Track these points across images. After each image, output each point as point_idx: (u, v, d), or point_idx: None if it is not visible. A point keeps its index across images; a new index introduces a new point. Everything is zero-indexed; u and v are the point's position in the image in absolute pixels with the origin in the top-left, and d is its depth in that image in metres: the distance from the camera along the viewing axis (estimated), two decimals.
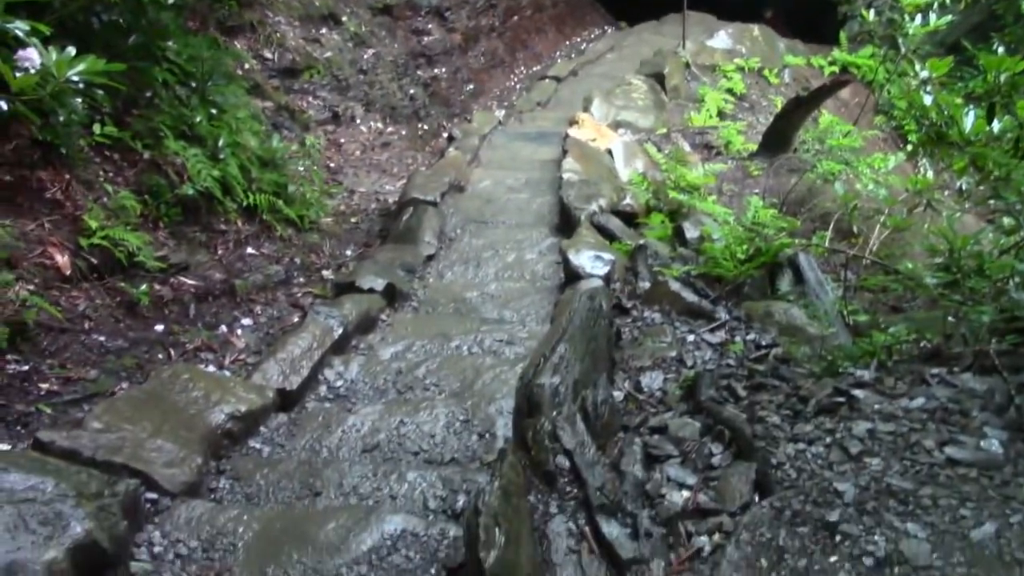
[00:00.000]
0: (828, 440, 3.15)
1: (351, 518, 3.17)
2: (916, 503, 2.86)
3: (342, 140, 9.19)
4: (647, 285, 5.21)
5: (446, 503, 3.37)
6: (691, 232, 6.04)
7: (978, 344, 3.76)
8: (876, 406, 3.33)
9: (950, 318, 4.15)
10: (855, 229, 6.84)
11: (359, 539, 3.08)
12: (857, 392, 3.42)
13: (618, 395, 3.74)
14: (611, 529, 2.77)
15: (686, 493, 2.98)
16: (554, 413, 3.21)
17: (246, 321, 5.34)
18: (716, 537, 2.81)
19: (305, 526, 3.16)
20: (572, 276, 5.34)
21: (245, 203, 6.22)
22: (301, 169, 7.56)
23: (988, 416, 3.22)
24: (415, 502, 3.37)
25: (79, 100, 4.84)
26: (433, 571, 2.98)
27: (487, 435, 3.79)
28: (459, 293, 5.56)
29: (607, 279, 5.23)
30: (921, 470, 3.00)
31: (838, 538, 2.72)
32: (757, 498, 2.94)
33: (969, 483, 2.96)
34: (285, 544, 3.07)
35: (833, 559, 2.66)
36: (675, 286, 4.97)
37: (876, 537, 2.72)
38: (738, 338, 4.35)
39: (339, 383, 4.40)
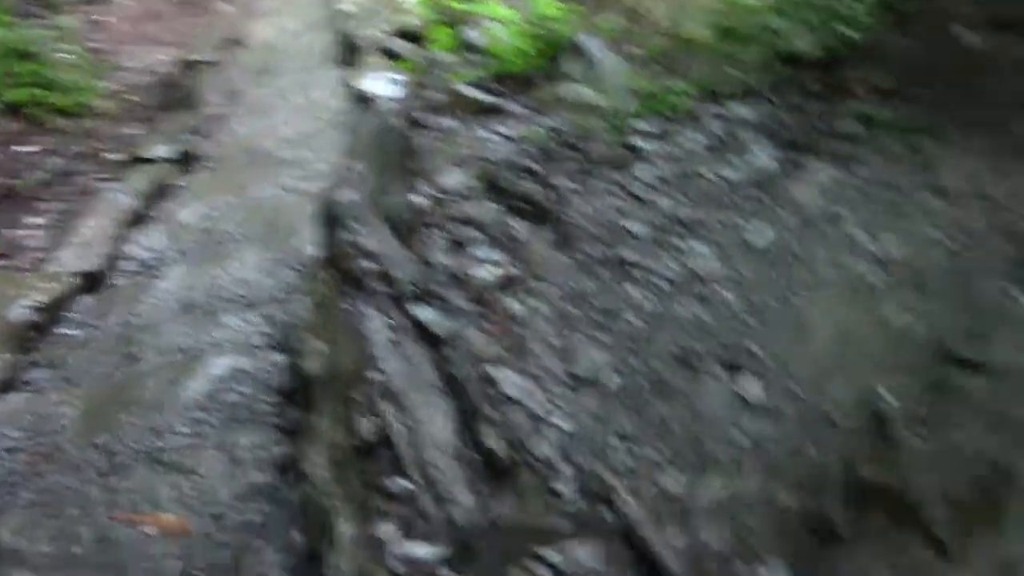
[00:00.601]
0: (618, 191, 3.28)
1: (175, 371, 3.14)
2: (702, 227, 3.04)
3: (105, 18, 8.49)
4: (440, 96, 5.16)
5: (272, 338, 3.36)
6: (477, 38, 5.96)
7: (749, 78, 3.95)
8: (659, 151, 3.47)
9: (726, 67, 4.31)
10: (639, 8, 6.92)
11: (187, 388, 3.06)
12: (641, 143, 3.55)
13: (422, 200, 3.76)
14: (425, 314, 2.84)
15: (494, 268, 3.07)
16: (355, 225, 3.21)
17: (36, 220, 5.01)
18: (528, 301, 2.91)
19: (128, 392, 3.11)
20: (364, 102, 5.23)
21: (5, 100, 5.74)
22: (65, 55, 6.99)
23: (759, 138, 3.41)
24: (240, 344, 3.35)
25: None
26: (268, 398, 3.01)
27: (300, 266, 3.77)
28: (253, 144, 5.38)
29: (399, 98, 5.15)
30: (704, 198, 3.18)
31: (636, 272, 2.88)
32: (560, 257, 3.06)
33: (748, 200, 3.16)
34: (112, 412, 3.02)
35: (633, 290, 2.82)
36: (467, 91, 4.94)
37: (669, 263, 2.89)
38: (532, 125, 4.40)
39: (144, 255, 4.23)
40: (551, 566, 2.16)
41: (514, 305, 2.86)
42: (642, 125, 3.79)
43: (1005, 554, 1.91)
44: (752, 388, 2.50)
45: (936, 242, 2.85)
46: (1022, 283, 2.57)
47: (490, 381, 2.55)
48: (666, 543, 2.16)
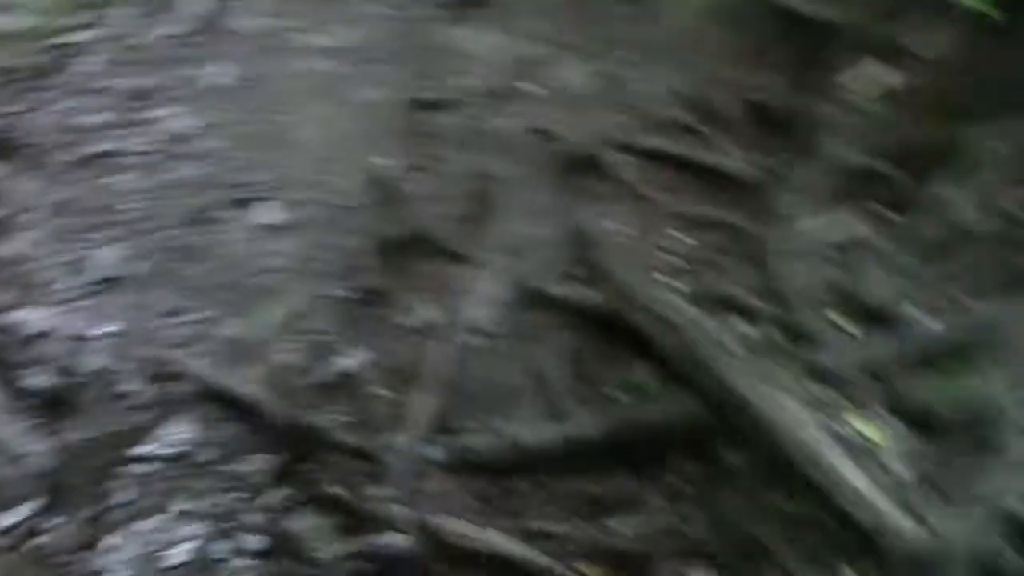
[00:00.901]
0: (68, 92, 3.07)
1: None
2: (165, 90, 2.96)
3: None
4: None
5: None
6: None
7: None
8: (97, 38, 3.30)
9: None
10: None
11: None
12: (77, 38, 3.34)
13: None
14: None
15: None
16: None
17: None
18: (21, 236, 2.68)
19: None
20: None
21: None
22: None
23: None
24: None
25: None
26: None
27: None
28: None
29: None
30: (156, 63, 3.09)
31: (114, 159, 2.75)
32: (36, 180, 2.84)
33: (199, 47, 3.12)
34: None
35: (120, 178, 2.70)
36: None
37: (144, 137, 2.81)
38: None
39: None
40: (149, 458, 2.12)
41: (6, 248, 2.63)
42: (73, 22, 3.54)
43: (508, 236, 2.16)
44: (271, 214, 2.54)
45: (378, 16, 3.01)
46: (452, 21, 2.81)
47: (9, 330, 2.36)
48: (244, 380, 2.19)
